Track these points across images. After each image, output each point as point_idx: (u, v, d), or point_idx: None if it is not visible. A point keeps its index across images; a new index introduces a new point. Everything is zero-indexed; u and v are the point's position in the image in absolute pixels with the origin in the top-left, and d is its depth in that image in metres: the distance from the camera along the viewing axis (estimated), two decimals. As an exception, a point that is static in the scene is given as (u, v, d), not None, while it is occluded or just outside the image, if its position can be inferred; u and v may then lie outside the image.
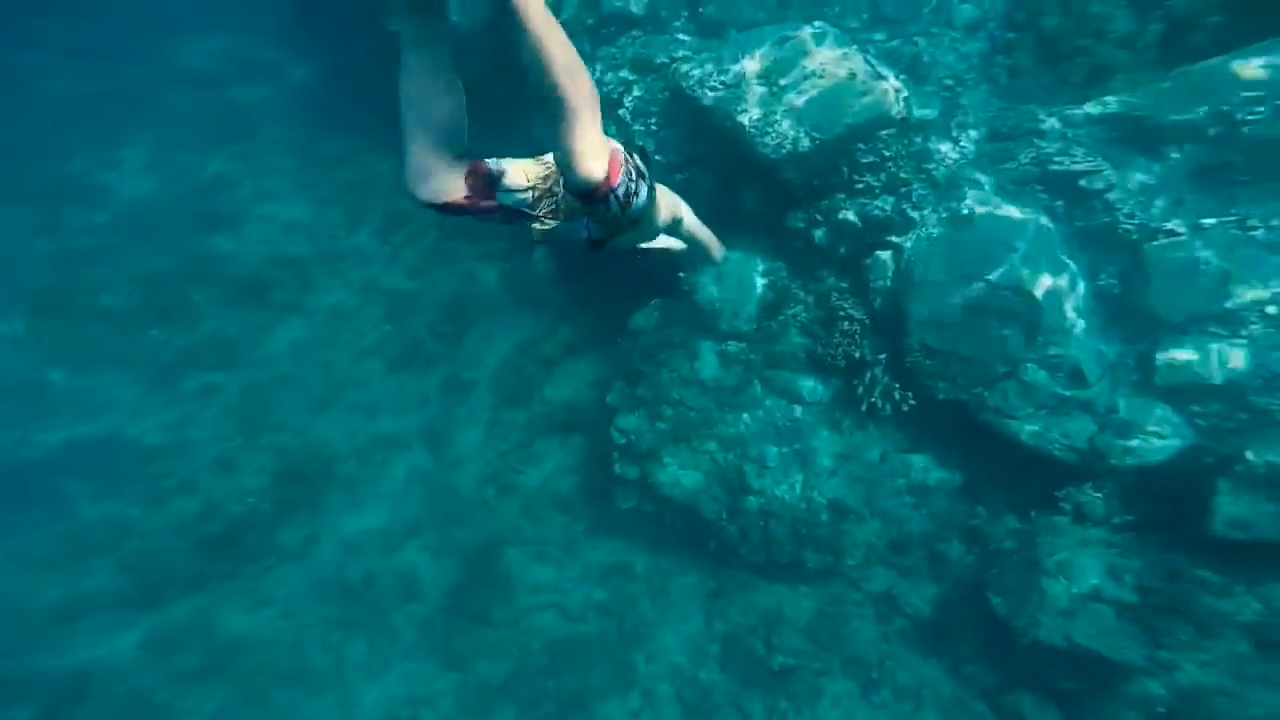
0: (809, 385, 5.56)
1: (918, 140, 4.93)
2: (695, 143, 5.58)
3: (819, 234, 5.16)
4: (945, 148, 5.05)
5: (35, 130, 9.99)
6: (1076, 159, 4.64)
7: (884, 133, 4.87)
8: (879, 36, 5.77)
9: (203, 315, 8.52)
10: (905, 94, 4.93)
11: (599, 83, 6.20)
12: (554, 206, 2.36)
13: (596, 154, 1.95)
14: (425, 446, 7.57)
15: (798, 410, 5.60)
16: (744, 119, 5.01)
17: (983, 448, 5.23)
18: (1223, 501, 4.28)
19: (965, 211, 4.74)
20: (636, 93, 5.78)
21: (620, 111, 5.67)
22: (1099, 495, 4.87)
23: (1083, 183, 4.67)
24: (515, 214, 2.32)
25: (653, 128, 5.68)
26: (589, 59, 6.40)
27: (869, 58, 4.98)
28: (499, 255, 7.84)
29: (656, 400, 5.96)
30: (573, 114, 1.88)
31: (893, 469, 5.51)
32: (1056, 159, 4.70)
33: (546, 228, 2.39)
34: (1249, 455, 4.23)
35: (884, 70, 4.91)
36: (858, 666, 5.68)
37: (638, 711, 6.15)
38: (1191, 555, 4.48)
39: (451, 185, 2.07)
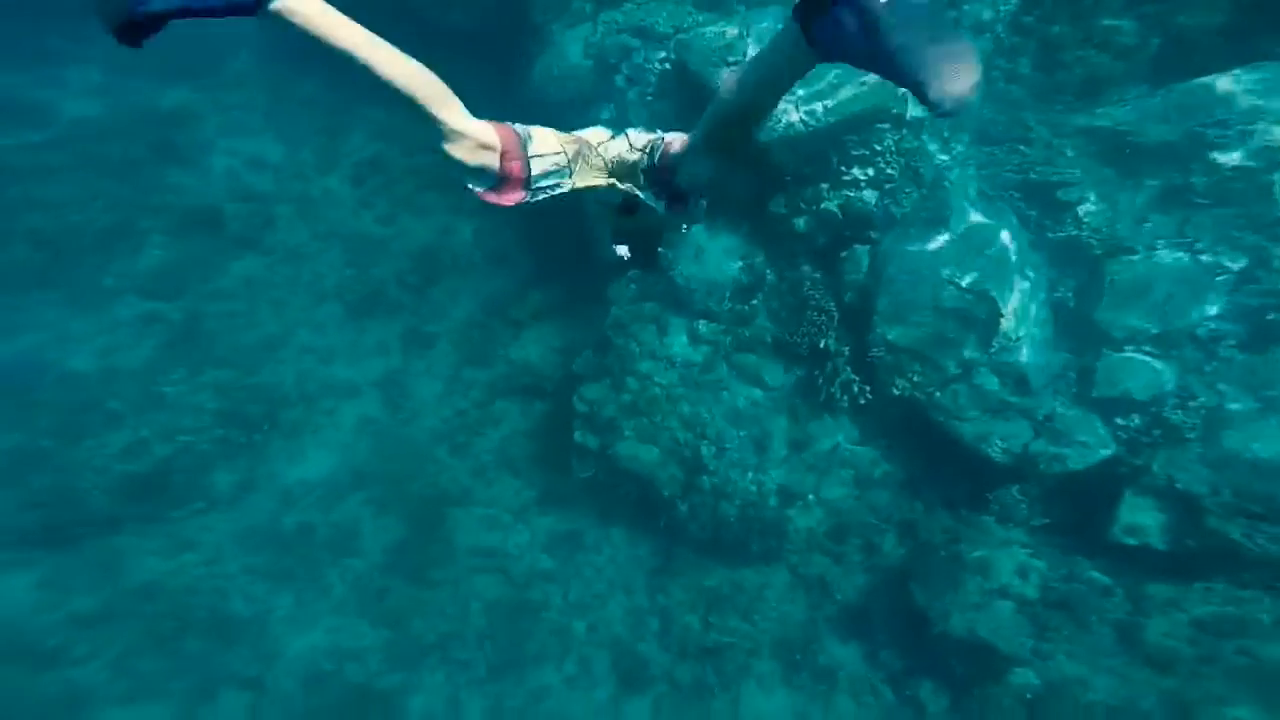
0: (773, 371, 5.58)
1: (910, 137, 4.97)
2: (690, 115, 5.48)
3: (800, 222, 5.16)
4: (934, 148, 5.11)
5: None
6: (1056, 169, 4.79)
7: (879, 126, 4.87)
8: (891, 25, 5.75)
9: (149, 243, 7.88)
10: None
11: (599, 45, 6.02)
12: (598, 173, 2.28)
13: None
14: (379, 397, 7.24)
15: (759, 395, 5.62)
16: (740, 97, 4.94)
17: (928, 445, 5.38)
18: (1124, 509, 4.61)
19: (945, 213, 4.83)
20: (636, 60, 5.63)
21: (616, 78, 5.52)
22: (1023, 499, 5.12)
23: (1059, 194, 4.82)
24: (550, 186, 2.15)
25: (648, 97, 5.56)
26: (591, 20, 6.19)
27: (876, 46, 4.95)
28: (473, 211, 7.56)
29: (623, 372, 5.87)
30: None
31: (842, 460, 5.61)
32: (1038, 168, 4.83)
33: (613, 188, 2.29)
34: (1154, 468, 4.49)
35: (889, 61, 4.90)
36: (785, 648, 5.78)
37: (574, 678, 6.06)
38: (1089, 557, 4.83)
39: (484, 132, 1.89)
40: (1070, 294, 4.90)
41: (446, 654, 6.22)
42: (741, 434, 5.64)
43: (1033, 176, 4.91)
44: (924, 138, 5.04)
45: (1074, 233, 4.82)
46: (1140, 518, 4.56)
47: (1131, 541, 4.56)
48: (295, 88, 8.66)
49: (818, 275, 5.20)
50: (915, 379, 5.02)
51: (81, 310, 7.59)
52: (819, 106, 4.82)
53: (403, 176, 7.74)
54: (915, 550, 5.50)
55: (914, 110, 4.96)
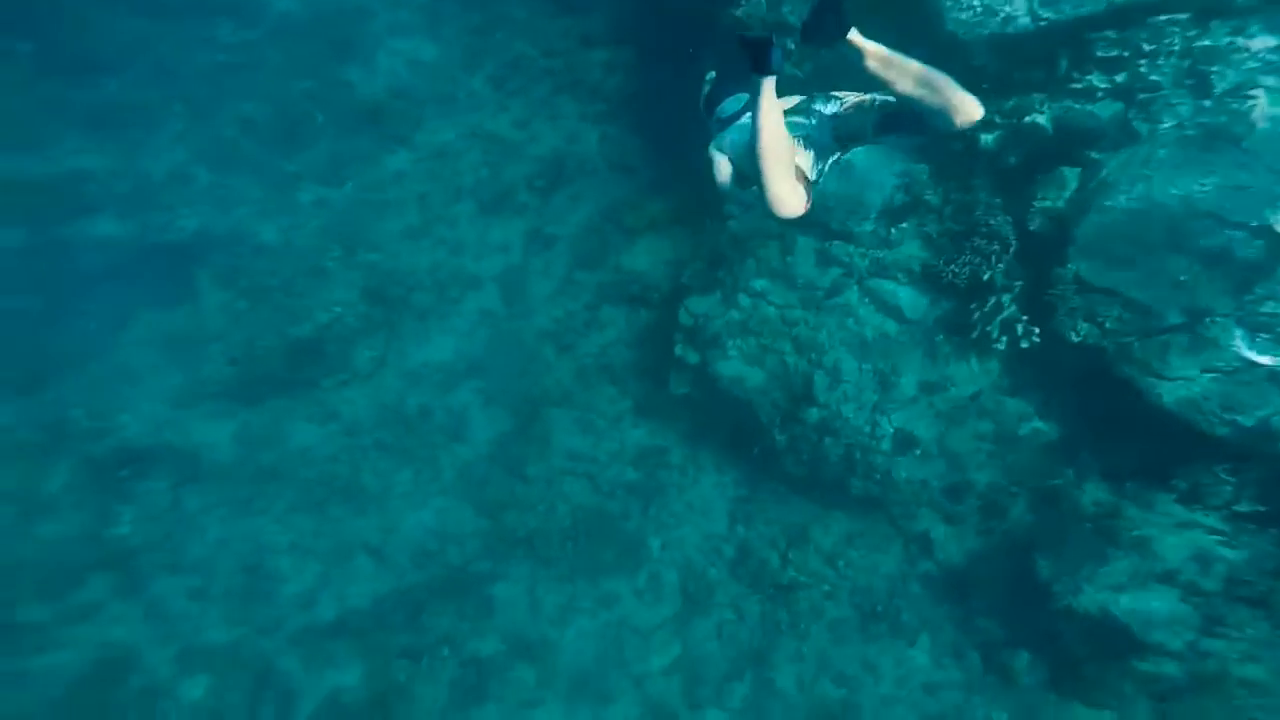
0: (914, 301, 4.30)
1: (1218, 33, 3.24)
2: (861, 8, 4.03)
3: (988, 138, 3.72)
4: (1260, 44, 3.24)
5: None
6: None
7: (1166, 17, 3.24)
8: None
9: (324, 135, 7.98)
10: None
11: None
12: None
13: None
14: (499, 291, 6.88)
15: (893, 326, 4.39)
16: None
17: (1103, 405, 4.01)
18: None
19: (1236, 128, 3.09)
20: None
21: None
22: (1231, 479, 3.64)
23: None
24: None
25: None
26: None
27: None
28: (601, 117, 6.84)
29: (735, 287, 4.87)
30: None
31: (983, 410, 4.31)
32: None
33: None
34: None
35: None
36: (866, 596, 4.90)
37: (641, 592, 5.56)
38: None
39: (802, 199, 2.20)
40: None
41: (533, 548, 5.91)
42: (865, 367, 4.47)
43: None
44: (1250, 30, 3.19)
45: None
46: None
47: None
48: (454, -14, 8.08)
49: (997, 200, 3.71)
50: (1109, 325, 3.55)
51: (272, 191, 7.81)
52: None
53: (540, 78, 7.18)
54: (1051, 519, 4.22)
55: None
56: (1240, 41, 3.17)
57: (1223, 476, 3.61)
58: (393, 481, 6.38)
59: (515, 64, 7.27)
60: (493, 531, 6.04)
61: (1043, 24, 3.34)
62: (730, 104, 2.86)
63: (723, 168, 3.02)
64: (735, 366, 4.92)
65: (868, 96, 2.16)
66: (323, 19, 8.47)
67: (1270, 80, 3.11)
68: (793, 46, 4.23)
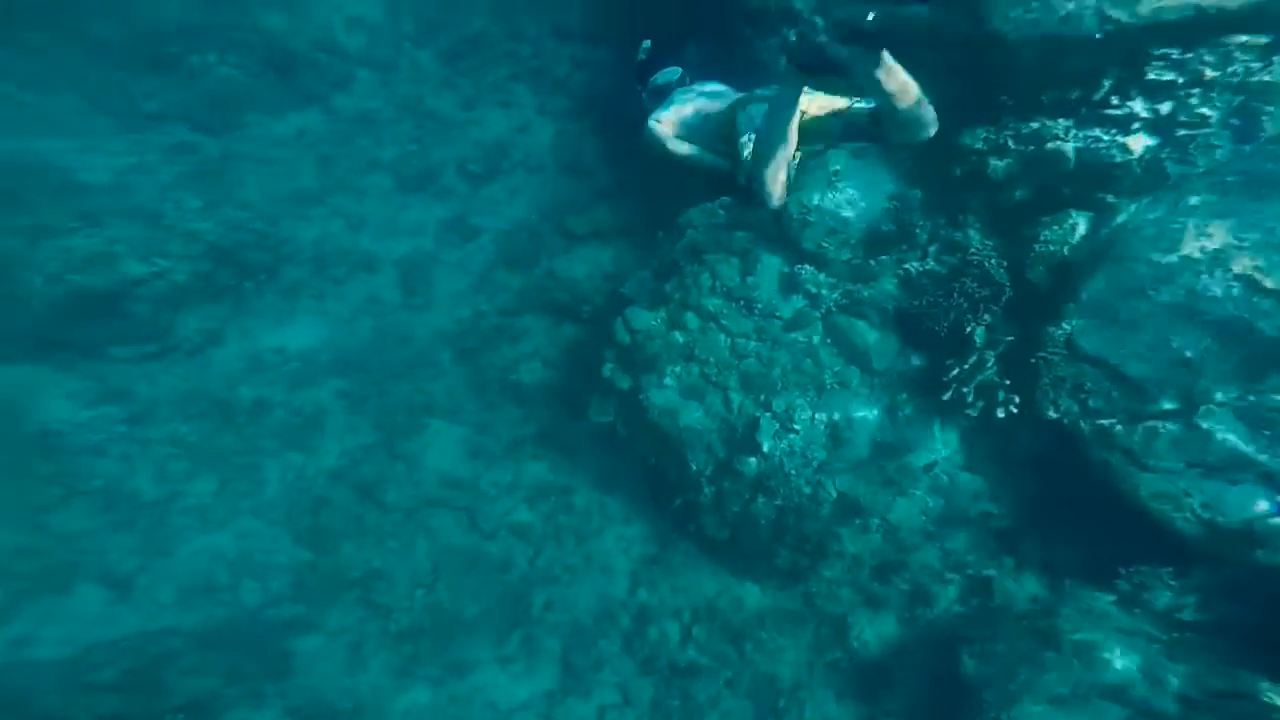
0: (884, 349, 3.45)
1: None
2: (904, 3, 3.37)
3: (998, 164, 3.06)
4: None
5: None
6: None
7: (1238, 39, 2.60)
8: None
9: (210, 76, 6.06)
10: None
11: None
12: None
13: None
14: (397, 278, 5.27)
15: (855, 375, 3.46)
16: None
17: (1063, 493, 3.34)
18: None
19: None
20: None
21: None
22: (1174, 583, 3.03)
23: None
24: None
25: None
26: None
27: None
28: (561, 113, 5.78)
29: (684, 305, 3.80)
30: None
31: (935, 484, 3.50)
32: None
33: None
34: None
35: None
36: (768, 689, 3.72)
37: (509, 660, 4.00)
38: (1274, 678, 2.75)
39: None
40: None
41: (368, 594, 4.10)
42: (818, 417, 3.44)
43: None
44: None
45: None
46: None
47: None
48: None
49: (990, 241, 3.01)
50: (1093, 403, 2.87)
51: (115, 125, 5.62)
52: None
53: (499, 61, 6.07)
54: (981, 613, 3.44)
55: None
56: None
57: (1167, 580, 3.04)
58: (183, 490, 4.30)
59: (474, 42, 6.01)
60: (315, 568, 4.15)
61: (1109, 28, 2.61)
62: (664, 75, 2.57)
63: (675, 143, 2.37)
64: (670, 397, 3.74)
65: (843, 102, 1.92)
66: (255, -40, 6.69)
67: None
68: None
